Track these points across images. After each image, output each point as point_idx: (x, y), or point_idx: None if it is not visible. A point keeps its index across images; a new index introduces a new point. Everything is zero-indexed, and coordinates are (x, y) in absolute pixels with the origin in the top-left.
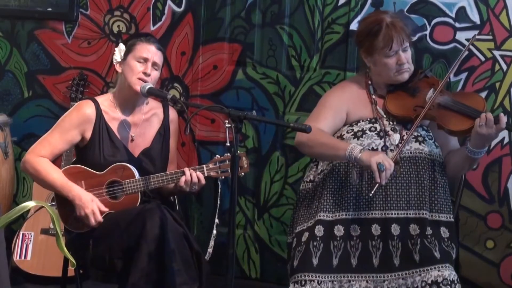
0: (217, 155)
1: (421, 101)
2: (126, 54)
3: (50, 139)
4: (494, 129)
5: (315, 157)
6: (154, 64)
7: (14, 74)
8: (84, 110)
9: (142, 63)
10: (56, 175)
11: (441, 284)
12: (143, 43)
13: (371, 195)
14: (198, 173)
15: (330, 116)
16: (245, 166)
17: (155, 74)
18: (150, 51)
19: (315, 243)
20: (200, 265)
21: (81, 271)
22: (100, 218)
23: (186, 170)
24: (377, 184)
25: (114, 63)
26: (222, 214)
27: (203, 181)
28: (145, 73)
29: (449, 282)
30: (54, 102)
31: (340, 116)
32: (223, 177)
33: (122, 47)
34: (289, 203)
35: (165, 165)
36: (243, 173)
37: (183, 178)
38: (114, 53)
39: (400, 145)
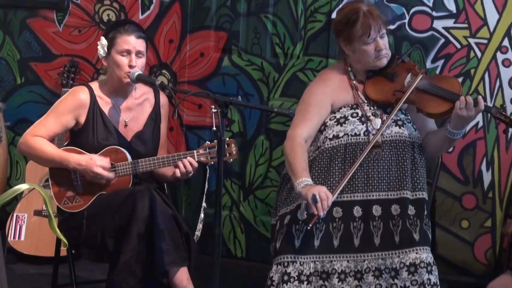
0: (207, 141)
1: (399, 86)
2: (109, 48)
3: (45, 122)
4: (473, 111)
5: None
6: (138, 53)
7: (7, 61)
8: (79, 95)
9: (126, 56)
10: (52, 149)
11: (418, 266)
12: (122, 36)
13: (309, 228)
14: (189, 158)
15: (315, 114)
16: (234, 152)
17: (141, 62)
18: (131, 42)
19: (297, 226)
20: (189, 245)
21: (73, 251)
22: (107, 165)
23: (180, 163)
24: (316, 216)
25: (100, 58)
26: (209, 196)
27: (195, 165)
28: (130, 66)
29: (426, 265)
30: (46, 88)
31: (326, 110)
32: (212, 162)
33: (103, 41)
34: (273, 185)
35: (156, 148)
36: (231, 160)
37: (178, 172)
38: (98, 48)
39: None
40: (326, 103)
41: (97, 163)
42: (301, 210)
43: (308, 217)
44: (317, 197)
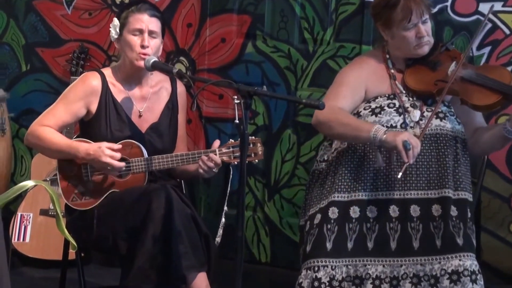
0: (230, 140)
1: (442, 75)
2: (121, 29)
3: (54, 111)
4: None
5: (334, 138)
6: (151, 33)
7: (11, 47)
8: (90, 81)
9: (138, 35)
10: (60, 138)
11: (461, 275)
12: (135, 14)
13: (399, 176)
14: (212, 155)
15: (349, 94)
16: (259, 153)
17: (154, 43)
18: (144, 21)
19: (329, 226)
20: (208, 248)
21: (82, 254)
22: (117, 156)
23: (200, 161)
24: (406, 164)
25: (112, 41)
26: (231, 195)
27: (218, 161)
28: (143, 46)
29: (470, 273)
30: (54, 76)
31: (359, 95)
32: (235, 162)
33: (116, 22)
34: (301, 183)
35: (173, 141)
36: (256, 160)
37: (200, 169)
38: (110, 31)
39: (421, 121)
40: (361, 86)
41: (106, 152)
42: (377, 160)
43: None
44: (409, 143)
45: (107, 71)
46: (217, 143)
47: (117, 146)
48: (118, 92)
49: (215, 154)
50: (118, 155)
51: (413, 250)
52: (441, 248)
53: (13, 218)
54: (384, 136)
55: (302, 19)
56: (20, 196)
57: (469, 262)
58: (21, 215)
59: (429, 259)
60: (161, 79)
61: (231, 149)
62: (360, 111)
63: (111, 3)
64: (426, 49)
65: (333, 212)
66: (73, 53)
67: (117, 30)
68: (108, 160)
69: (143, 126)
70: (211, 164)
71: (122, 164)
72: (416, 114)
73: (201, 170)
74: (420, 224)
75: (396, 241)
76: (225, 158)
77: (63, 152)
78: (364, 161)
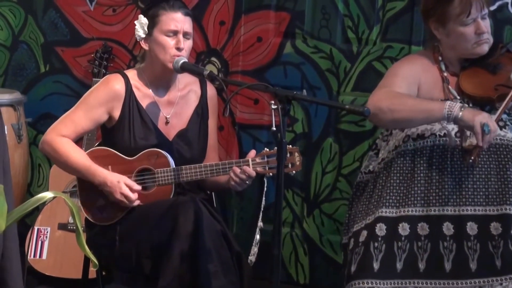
0: (265, 149)
1: (503, 79)
2: (151, 28)
3: (73, 116)
4: None
5: (398, 124)
6: (185, 34)
7: (29, 46)
8: (113, 84)
9: (172, 37)
10: (79, 156)
11: None
12: (168, 13)
13: (470, 161)
14: (245, 166)
15: (404, 86)
16: (297, 163)
17: (188, 45)
18: (178, 21)
19: (376, 244)
20: (240, 268)
21: (103, 273)
22: (133, 198)
23: (231, 172)
24: (478, 148)
25: (138, 40)
26: (266, 209)
27: (252, 174)
28: (178, 48)
29: None
30: (74, 78)
31: (413, 90)
32: (271, 174)
33: (143, 20)
34: (344, 197)
35: (203, 150)
36: (294, 171)
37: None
38: (135, 28)
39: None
40: (415, 82)
41: (122, 189)
42: (449, 139)
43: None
44: (488, 126)
45: (131, 73)
46: (253, 153)
47: (137, 187)
48: (143, 96)
49: (249, 165)
50: (134, 197)
51: (470, 272)
52: (501, 269)
53: (29, 232)
54: (461, 113)
55: (346, 16)
56: (37, 209)
57: None
58: (38, 229)
59: (488, 280)
60: (189, 81)
61: (266, 159)
62: None
63: None
64: (485, 48)
65: (381, 229)
66: (95, 52)
67: (145, 29)
68: (123, 199)
69: (170, 133)
70: (243, 176)
71: (137, 202)
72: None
73: (232, 182)
74: (477, 244)
75: (451, 261)
76: (259, 169)
77: (79, 172)
78: (415, 173)
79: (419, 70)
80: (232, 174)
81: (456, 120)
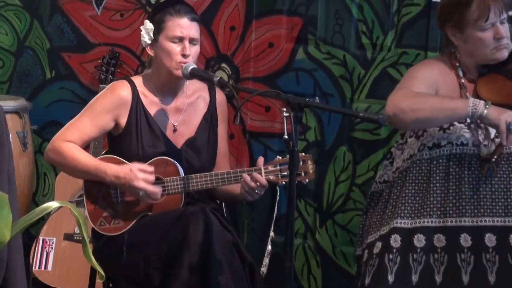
0: (277, 157)
1: None
2: (156, 33)
3: (79, 124)
4: None
5: (419, 125)
6: (192, 40)
7: (35, 51)
8: (119, 91)
9: (178, 43)
10: (87, 157)
11: None
12: (173, 18)
13: (493, 160)
14: (256, 174)
15: (424, 88)
16: (310, 171)
17: (194, 51)
18: (184, 27)
19: (390, 256)
20: (253, 280)
21: (110, 285)
22: (152, 179)
23: (242, 180)
24: (500, 148)
25: (143, 46)
26: (278, 220)
27: (264, 182)
28: (184, 55)
29: None
30: (81, 84)
31: (432, 93)
32: (283, 182)
33: (148, 25)
34: (357, 208)
35: (212, 158)
36: (307, 180)
37: (243, 191)
38: (141, 34)
39: (496, 139)
40: (433, 86)
41: (138, 175)
42: (473, 136)
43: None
44: None
45: (137, 80)
46: (261, 160)
47: (150, 168)
48: (150, 103)
49: (260, 173)
50: (152, 177)
51: (489, 285)
52: None
53: (34, 243)
54: (486, 111)
55: (360, 21)
56: (42, 219)
57: None
58: (43, 240)
59: None
60: (198, 87)
61: (278, 167)
62: None
63: (145, 3)
64: (505, 54)
65: (395, 240)
66: (102, 58)
67: (151, 34)
68: (142, 184)
69: (179, 141)
70: (253, 185)
71: (159, 189)
72: (491, 130)
73: (243, 191)
74: (496, 256)
75: (469, 274)
76: (271, 177)
77: (89, 173)
78: (430, 183)
79: (436, 74)
80: (242, 183)
81: (480, 118)
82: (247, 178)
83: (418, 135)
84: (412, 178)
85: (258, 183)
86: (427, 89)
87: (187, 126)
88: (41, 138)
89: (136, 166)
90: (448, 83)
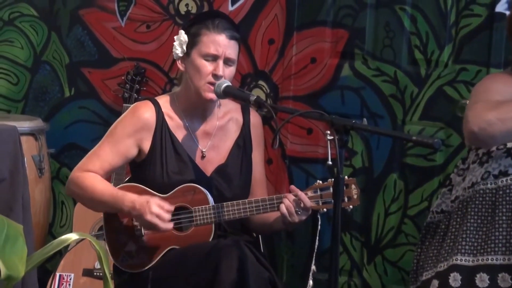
0: (318, 181)
1: None
2: (189, 47)
3: (99, 152)
4: None
5: (510, 137)
6: (227, 61)
7: (52, 67)
8: (141, 113)
9: (211, 62)
10: (105, 187)
11: None
12: (210, 33)
13: None
14: (301, 194)
15: (502, 99)
16: (355, 197)
17: (229, 72)
18: (221, 44)
19: None
20: None
21: None
22: (166, 217)
23: (282, 205)
24: None
25: (175, 58)
26: (320, 255)
27: (309, 204)
28: (215, 76)
29: None
30: (103, 103)
31: None
32: (325, 209)
33: (183, 37)
34: (410, 242)
35: (246, 187)
36: (351, 206)
37: (283, 208)
38: (173, 45)
39: None
40: (508, 95)
41: (153, 209)
42: None
43: None
44: None
45: (162, 100)
46: (293, 188)
47: (169, 207)
48: (177, 126)
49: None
50: (167, 216)
51: None
52: None
53: (50, 279)
54: None
55: (413, 34)
56: (60, 253)
57: None
58: (60, 275)
59: None
60: (230, 108)
61: (319, 193)
62: (492, 151)
63: (174, 14)
64: None
65: (455, 279)
66: (126, 75)
67: (184, 47)
68: (154, 220)
69: (208, 169)
70: (291, 207)
71: (170, 225)
72: None
73: (284, 211)
74: None
75: None
76: (312, 203)
77: (107, 203)
78: (496, 216)
79: (508, 88)
80: (282, 206)
81: None
82: (291, 197)
83: (482, 161)
84: (475, 210)
85: (302, 205)
86: (505, 99)
87: (217, 152)
88: (58, 162)
89: (154, 200)
90: None
